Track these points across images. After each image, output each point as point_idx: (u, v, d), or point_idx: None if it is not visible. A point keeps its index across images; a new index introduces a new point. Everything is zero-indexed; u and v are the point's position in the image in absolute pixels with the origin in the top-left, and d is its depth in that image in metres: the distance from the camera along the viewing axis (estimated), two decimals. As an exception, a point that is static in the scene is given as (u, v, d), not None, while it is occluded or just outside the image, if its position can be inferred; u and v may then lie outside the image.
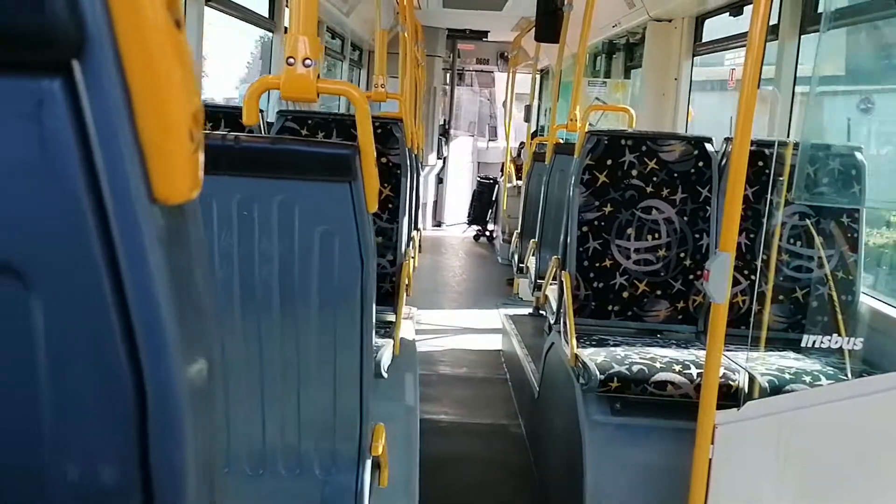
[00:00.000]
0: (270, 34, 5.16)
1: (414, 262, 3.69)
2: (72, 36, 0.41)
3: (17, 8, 0.39)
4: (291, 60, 1.47)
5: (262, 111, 3.38)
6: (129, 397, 0.44)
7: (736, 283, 2.90)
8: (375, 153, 1.63)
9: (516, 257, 5.72)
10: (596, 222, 2.99)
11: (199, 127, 0.46)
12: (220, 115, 3.20)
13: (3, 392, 0.45)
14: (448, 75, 10.66)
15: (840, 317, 2.86)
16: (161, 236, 0.44)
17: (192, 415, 0.46)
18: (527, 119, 8.44)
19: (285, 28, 5.08)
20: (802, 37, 3.53)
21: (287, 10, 5.06)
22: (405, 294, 2.95)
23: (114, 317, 0.43)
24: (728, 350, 2.37)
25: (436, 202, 10.16)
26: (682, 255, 2.98)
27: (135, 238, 0.43)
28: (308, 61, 1.47)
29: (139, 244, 0.43)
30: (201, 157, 0.46)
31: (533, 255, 4.63)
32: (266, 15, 5.08)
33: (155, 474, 0.45)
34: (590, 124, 3.98)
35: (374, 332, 1.64)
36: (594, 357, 2.49)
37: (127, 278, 0.43)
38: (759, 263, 2.90)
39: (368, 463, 1.67)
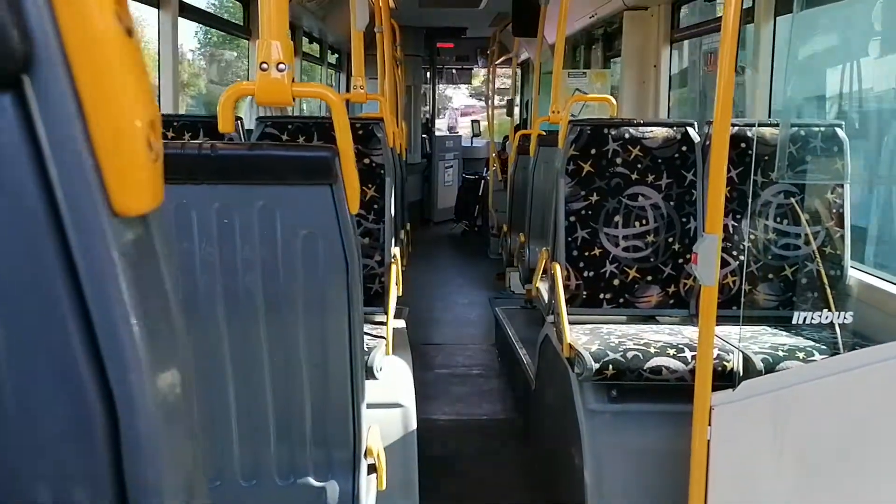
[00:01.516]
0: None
1: (404, 260, 3.69)
2: (18, 51, 0.39)
3: None
4: (265, 66, 1.46)
5: (240, 119, 3.36)
6: (99, 417, 0.43)
7: (725, 264, 2.91)
8: (357, 154, 1.62)
9: (506, 251, 5.72)
10: (583, 212, 2.99)
11: (157, 136, 0.45)
12: (199, 125, 3.18)
13: None
14: (428, 73, 10.64)
15: (829, 292, 2.88)
16: (124, 250, 0.43)
17: (167, 430, 0.45)
18: (509, 113, 8.43)
19: None
20: (778, 18, 3.55)
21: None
22: (396, 293, 2.94)
23: (77, 335, 0.42)
24: (720, 330, 2.38)
25: (422, 200, 10.15)
26: (671, 239, 2.99)
27: (95, 253, 0.42)
28: (282, 65, 1.46)
29: (100, 259, 0.42)
30: (160, 166, 0.45)
31: (522, 247, 4.63)
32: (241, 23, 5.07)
33: (131, 493, 0.44)
34: (572, 115, 3.98)
35: (363, 333, 1.63)
36: (588, 346, 2.49)
37: (89, 295, 0.42)
38: (746, 244, 2.91)
39: (364, 467, 1.67)
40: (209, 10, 4.58)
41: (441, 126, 13.28)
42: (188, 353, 0.50)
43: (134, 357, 0.43)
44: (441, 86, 12.03)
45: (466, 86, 12.91)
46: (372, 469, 1.71)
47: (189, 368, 0.50)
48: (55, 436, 0.43)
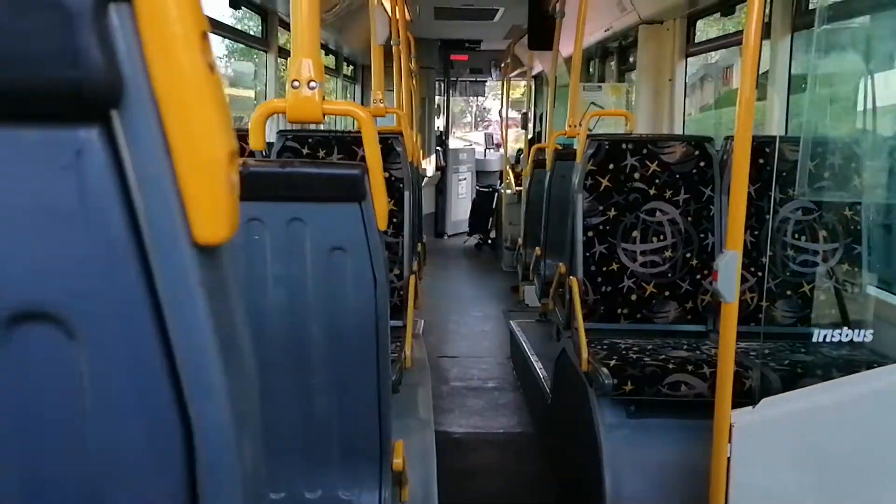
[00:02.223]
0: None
1: (420, 273, 3.70)
2: (109, 88, 0.41)
3: (52, 64, 0.40)
4: (296, 83, 1.48)
5: None
6: (177, 442, 0.45)
7: (743, 280, 2.91)
8: None
9: (521, 264, 5.72)
10: (601, 227, 3.00)
11: (236, 168, 0.47)
12: None
13: (52, 440, 0.45)
14: (442, 86, 10.69)
15: (847, 309, 2.87)
16: (203, 279, 0.45)
17: (240, 456, 0.47)
18: (523, 126, 8.45)
19: (279, 48, 5.12)
20: (795, 34, 3.56)
21: (278, 32, 5.10)
22: (413, 307, 2.96)
23: (159, 362, 0.44)
24: (739, 347, 2.38)
25: (436, 213, 10.16)
26: (689, 255, 2.99)
27: (178, 282, 0.44)
28: (313, 83, 1.48)
29: (182, 288, 0.44)
30: (237, 196, 0.47)
31: (538, 261, 4.64)
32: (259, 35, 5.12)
33: None
34: (588, 129, 4.00)
35: (389, 348, 1.65)
36: (606, 361, 2.50)
37: (171, 323, 0.44)
38: (765, 260, 2.91)
39: (391, 480, 1.68)
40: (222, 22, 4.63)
41: (479, 140, 13.10)
42: (255, 377, 0.52)
43: (213, 385, 0.45)
44: (480, 98, 12.06)
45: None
46: (396, 482, 1.72)
47: (257, 394, 0.52)
48: (135, 460, 0.45)
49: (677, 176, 3.00)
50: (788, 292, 2.94)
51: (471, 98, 15.96)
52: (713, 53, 5.21)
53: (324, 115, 1.51)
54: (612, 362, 2.48)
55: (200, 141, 0.44)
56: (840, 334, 2.28)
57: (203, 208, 0.44)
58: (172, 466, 0.45)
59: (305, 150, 3.00)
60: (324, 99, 1.51)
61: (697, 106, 6.05)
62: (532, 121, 9.68)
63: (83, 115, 0.42)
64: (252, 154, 2.76)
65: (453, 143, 11.67)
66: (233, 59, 6.98)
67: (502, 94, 9.57)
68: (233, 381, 0.47)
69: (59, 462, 0.45)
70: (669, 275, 2.99)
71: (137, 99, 0.42)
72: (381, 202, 1.55)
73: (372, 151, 1.56)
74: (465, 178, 10.54)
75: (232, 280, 0.50)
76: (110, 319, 0.44)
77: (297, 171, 1.52)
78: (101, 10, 0.41)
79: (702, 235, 3.00)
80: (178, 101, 0.43)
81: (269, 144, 3.33)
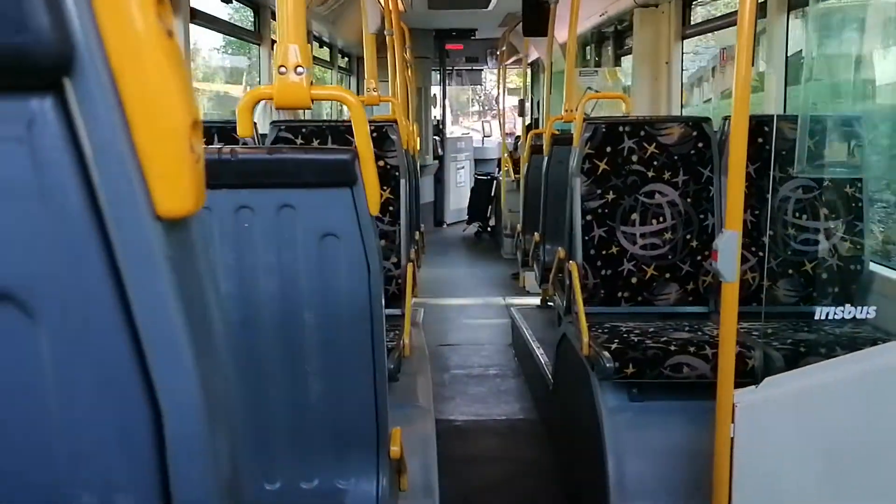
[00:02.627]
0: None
1: (418, 262, 3.69)
2: (59, 54, 0.39)
3: None
4: (283, 69, 1.46)
5: (254, 123, 3.37)
6: (146, 422, 0.43)
7: (744, 260, 2.89)
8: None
9: (520, 251, 5.71)
10: (599, 210, 2.98)
11: (199, 137, 0.45)
12: (214, 131, 3.19)
13: (14, 423, 0.44)
14: (438, 75, 10.65)
15: (850, 286, 2.85)
16: (167, 253, 0.43)
17: (212, 433, 0.45)
18: (521, 113, 8.42)
19: (272, 41, 5.08)
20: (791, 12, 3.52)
21: (272, 23, 5.06)
22: (412, 295, 2.94)
23: (123, 339, 0.42)
24: (741, 327, 2.36)
25: (435, 201, 10.15)
26: (689, 236, 2.97)
27: (140, 256, 0.42)
28: (300, 69, 1.46)
29: (145, 262, 0.42)
30: (202, 168, 0.45)
31: (537, 247, 4.62)
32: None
33: (175, 496, 0.44)
34: (585, 113, 3.97)
35: (385, 335, 1.63)
36: (607, 345, 2.48)
37: (134, 298, 0.42)
38: (765, 240, 2.89)
39: (388, 468, 1.66)
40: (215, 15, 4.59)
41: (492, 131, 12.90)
42: (226, 355, 0.50)
43: (180, 362, 0.43)
44: (488, 86, 12.00)
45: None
46: (395, 470, 1.71)
47: (227, 369, 0.50)
48: (102, 442, 0.43)
49: (675, 157, 2.97)
50: (790, 271, 2.92)
51: (478, 87, 15.86)
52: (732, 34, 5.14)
53: (312, 101, 1.49)
54: (614, 346, 2.47)
55: (159, 109, 0.42)
56: (843, 311, 2.26)
57: (164, 179, 0.42)
58: (141, 452, 0.43)
59: (299, 140, 2.98)
60: (312, 84, 1.48)
61: (718, 91, 5.85)
62: (529, 107, 9.64)
63: (33, 84, 0.40)
64: (245, 143, 2.74)
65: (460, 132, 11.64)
66: (229, 52, 6.94)
67: (499, 82, 9.53)
68: (202, 360, 0.45)
69: (21, 447, 0.43)
70: (670, 257, 2.97)
71: (91, 65, 0.40)
72: (372, 187, 1.52)
73: (362, 136, 1.53)
74: (463, 167, 10.52)
75: (202, 256, 0.48)
76: (71, 298, 0.42)
77: (286, 157, 1.50)
78: None
79: (702, 216, 2.98)
80: (134, 67, 0.41)
81: (263, 136, 3.31)
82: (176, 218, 0.43)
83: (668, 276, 2.97)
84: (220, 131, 3.18)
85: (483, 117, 15.26)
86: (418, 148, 5.35)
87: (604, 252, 2.97)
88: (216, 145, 1.51)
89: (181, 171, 0.43)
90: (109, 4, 0.40)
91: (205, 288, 0.48)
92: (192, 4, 3.78)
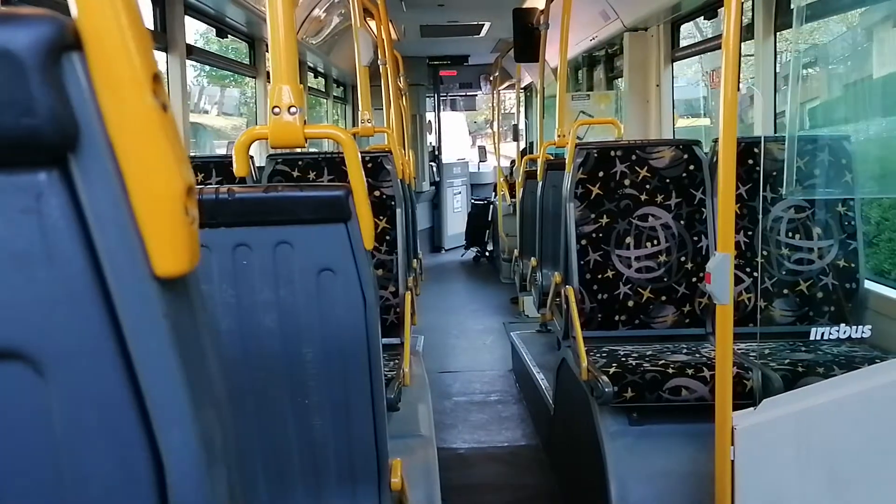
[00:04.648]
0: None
1: (416, 290, 3.70)
2: (64, 133, 0.43)
3: (9, 113, 0.42)
4: (277, 110, 1.49)
5: (251, 157, 3.41)
6: (148, 474, 0.45)
7: (739, 281, 2.90)
8: (367, 188, 1.65)
9: (518, 276, 5.72)
10: (594, 234, 3.00)
11: (193, 201, 0.47)
12: (212, 166, 3.22)
13: (23, 475, 0.46)
14: (433, 102, 10.75)
15: (846, 306, 2.86)
16: (165, 310, 0.45)
17: (211, 482, 0.47)
18: (515, 138, 8.49)
19: (268, 74, 5.15)
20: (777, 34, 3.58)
21: (267, 55, 5.13)
22: (411, 324, 2.95)
23: (127, 395, 0.45)
24: (738, 348, 2.37)
25: (432, 227, 10.18)
26: (683, 258, 2.99)
27: (140, 315, 0.45)
28: (293, 109, 1.49)
29: (145, 321, 0.45)
30: (196, 229, 0.48)
31: (535, 272, 4.64)
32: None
33: None
34: (578, 137, 4.01)
35: (382, 366, 1.65)
36: (606, 369, 2.49)
37: (136, 355, 0.45)
38: (759, 260, 2.91)
39: (390, 500, 1.67)
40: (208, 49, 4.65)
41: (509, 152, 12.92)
42: (226, 401, 0.52)
43: (180, 413, 0.45)
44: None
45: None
46: (397, 502, 1.71)
47: (228, 418, 0.52)
48: (107, 492, 0.45)
49: (667, 180, 3.00)
50: (785, 291, 2.93)
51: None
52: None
53: (306, 140, 1.52)
54: (612, 370, 2.47)
55: (156, 178, 0.45)
56: (838, 331, 2.27)
57: (162, 242, 0.45)
58: (144, 499, 0.45)
59: (296, 173, 3.01)
60: (305, 123, 1.52)
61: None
62: (524, 132, 9.72)
63: (41, 160, 0.44)
64: (243, 181, 2.77)
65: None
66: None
67: (493, 106, 9.61)
68: (201, 410, 0.47)
69: (30, 498, 0.46)
70: (665, 279, 2.99)
71: (92, 142, 0.44)
72: (366, 222, 1.55)
73: (355, 171, 1.56)
74: (459, 192, 10.57)
75: (199, 310, 0.51)
76: (77, 355, 0.45)
77: (282, 196, 1.53)
78: (55, 60, 0.42)
79: (695, 238, 3.00)
80: (132, 141, 0.44)
81: (260, 169, 3.34)
82: (172, 277, 0.46)
83: (664, 298, 2.99)
84: (218, 167, 3.21)
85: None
86: (414, 176, 5.39)
87: (600, 276, 2.99)
88: (213, 185, 1.54)
89: (177, 234, 0.46)
90: (109, 86, 0.44)
91: (202, 340, 0.50)
92: (190, 41, 3.84)
